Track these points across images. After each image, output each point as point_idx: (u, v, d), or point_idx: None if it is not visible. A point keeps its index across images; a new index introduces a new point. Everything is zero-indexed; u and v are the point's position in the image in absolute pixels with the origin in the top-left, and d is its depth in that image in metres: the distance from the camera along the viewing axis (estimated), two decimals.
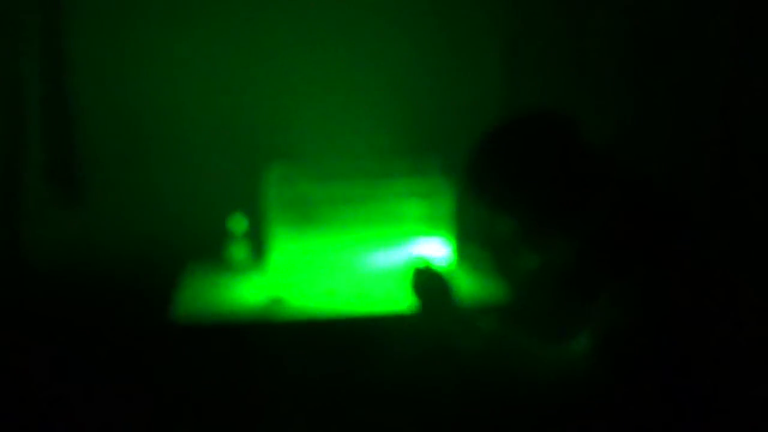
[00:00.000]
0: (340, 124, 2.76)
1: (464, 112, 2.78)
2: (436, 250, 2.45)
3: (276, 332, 2.28)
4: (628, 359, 1.71)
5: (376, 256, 2.43)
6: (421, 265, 2.06)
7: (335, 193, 2.37)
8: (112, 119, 2.74)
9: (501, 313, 1.91)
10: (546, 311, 1.82)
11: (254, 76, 2.75)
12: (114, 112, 2.74)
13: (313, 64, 2.75)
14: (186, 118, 2.76)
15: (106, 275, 2.77)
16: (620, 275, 1.71)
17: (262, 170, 2.46)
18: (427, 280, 2.03)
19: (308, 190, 2.37)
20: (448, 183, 2.39)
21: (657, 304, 1.70)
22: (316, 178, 2.41)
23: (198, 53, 2.72)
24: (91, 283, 2.77)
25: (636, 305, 1.70)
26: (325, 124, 2.76)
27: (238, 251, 2.62)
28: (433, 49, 2.77)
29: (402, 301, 2.22)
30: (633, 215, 1.75)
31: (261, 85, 2.76)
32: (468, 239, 2.56)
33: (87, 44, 2.65)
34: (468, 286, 2.47)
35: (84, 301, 2.76)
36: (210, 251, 2.65)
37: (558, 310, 1.79)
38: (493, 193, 1.86)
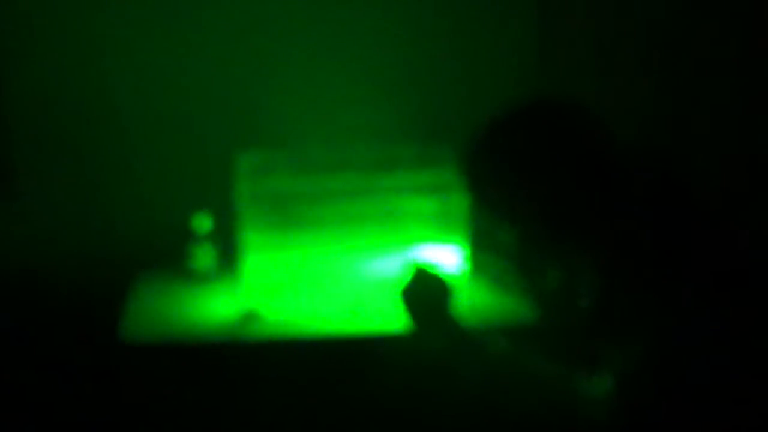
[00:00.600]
0: (329, 104, 2.62)
1: (481, 92, 2.63)
2: (446, 256, 2.30)
3: (249, 354, 2.17)
4: (654, 410, 1.61)
5: (371, 264, 2.31)
6: (417, 269, 1.94)
7: (322, 187, 2.25)
8: (54, 101, 2.58)
9: (517, 336, 1.84)
10: (569, 336, 1.81)
11: (222, 46, 2.58)
12: (56, 93, 2.57)
13: (296, 31, 2.59)
14: (141, 99, 2.60)
15: (43, 284, 2.62)
16: (658, 301, 1.60)
17: (232, 159, 2.32)
18: (421, 287, 1.92)
19: (288, 183, 2.25)
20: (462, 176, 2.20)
21: (701, 341, 1.59)
22: (298, 168, 2.31)
23: (153, 25, 2.55)
24: (23, 293, 2.62)
25: (675, 342, 1.59)
26: (310, 104, 2.62)
27: (203, 257, 2.49)
28: (445, 17, 2.62)
29: (401, 318, 2.07)
30: (670, 224, 1.65)
31: (231, 56, 2.60)
32: (484, 245, 2.40)
33: (25, 23, 2.51)
34: (483, 301, 2.36)
35: (14, 314, 2.61)
36: (169, 256, 2.54)
37: (582, 335, 1.76)
38: (490, 196, 1.77)
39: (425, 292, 1.91)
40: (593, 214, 1.69)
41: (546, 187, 1.69)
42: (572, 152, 1.69)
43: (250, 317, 2.27)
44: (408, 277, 1.93)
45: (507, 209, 1.75)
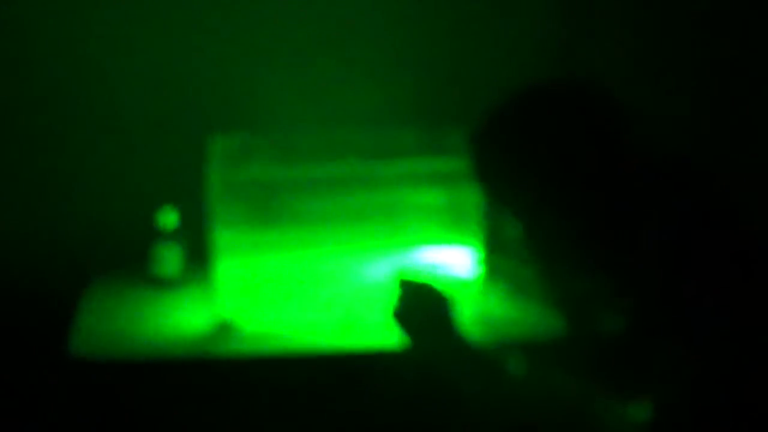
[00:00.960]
0: (319, 80, 2.53)
1: (496, 70, 2.56)
2: (455, 259, 2.25)
3: (223, 371, 2.09)
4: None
5: (367, 268, 2.26)
6: (403, 283, 1.87)
7: (309, 177, 2.19)
8: None
9: (539, 353, 1.80)
10: (598, 353, 1.75)
11: (194, 14, 2.49)
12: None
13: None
14: (95, 73, 2.49)
15: None
16: (704, 324, 1.55)
17: (203, 145, 2.24)
18: (413, 305, 1.85)
19: (269, 172, 2.19)
20: None
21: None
22: (280, 155, 2.25)
23: None
24: None
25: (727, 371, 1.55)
26: (297, 80, 2.53)
27: (169, 259, 2.43)
28: None
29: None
30: (673, 224, 1.61)
31: (204, 27, 2.50)
32: (500, 245, 2.34)
33: None
34: (499, 312, 2.30)
35: None
36: (128, 258, 2.48)
37: (612, 352, 1.70)
38: (495, 183, 1.74)
39: (419, 309, 1.84)
40: (595, 216, 1.65)
41: (552, 180, 1.65)
42: (579, 143, 1.64)
43: (224, 329, 2.20)
44: (396, 296, 1.86)
45: (513, 200, 1.72)
